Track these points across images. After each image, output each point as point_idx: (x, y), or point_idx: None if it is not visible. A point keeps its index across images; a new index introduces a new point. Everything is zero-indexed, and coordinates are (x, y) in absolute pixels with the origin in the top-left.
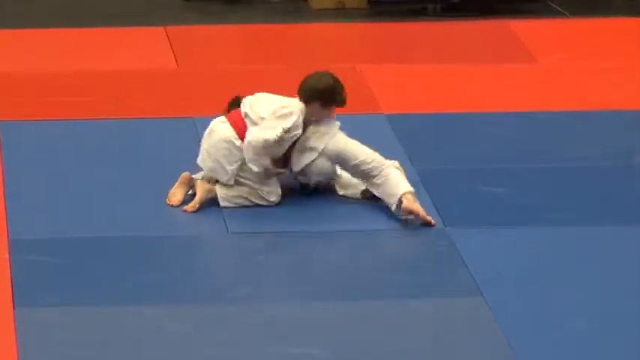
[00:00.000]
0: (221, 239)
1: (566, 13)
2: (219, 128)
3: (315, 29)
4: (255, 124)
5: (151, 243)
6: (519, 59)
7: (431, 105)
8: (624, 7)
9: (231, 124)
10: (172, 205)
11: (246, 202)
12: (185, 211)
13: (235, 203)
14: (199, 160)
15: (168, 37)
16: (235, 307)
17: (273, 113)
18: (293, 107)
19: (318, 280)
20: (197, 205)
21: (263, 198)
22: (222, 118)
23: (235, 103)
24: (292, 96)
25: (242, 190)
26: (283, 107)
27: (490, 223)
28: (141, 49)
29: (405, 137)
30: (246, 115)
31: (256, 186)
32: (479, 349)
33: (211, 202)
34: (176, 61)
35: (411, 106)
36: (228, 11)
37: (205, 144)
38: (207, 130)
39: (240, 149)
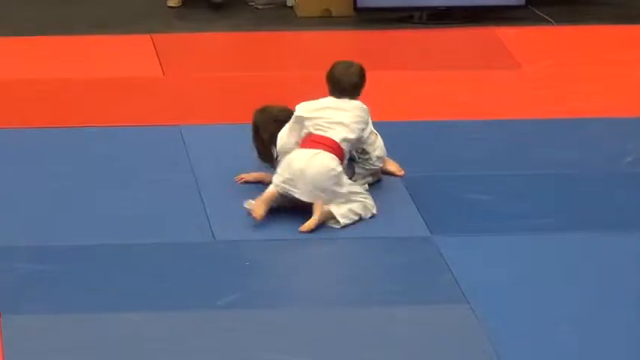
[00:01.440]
0: (207, 246)
1: (552, 21)
2: (318, 162)
3: (302, 37)
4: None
5: (137, 250)
6: (505, 66)
7: (416, 112)
8: (609, 15)
9: (330, 151)
10: (256, 219)
11: (357, 217)
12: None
13: (351, 219)
14: (307, 198)
15: (154, 45)
16: (222, 314)
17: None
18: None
19: (304, 287)
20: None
21: (369, 210)
22: (309, 151)
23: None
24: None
25: (354, 206)
26: (359, 117)
27: (476, 230)
28: (127, 56)
29: (390, 144)
30: (346, 139)
31: (363, 198)
32: (464, 357)
33: (195, 209)
34: (162, 69)
35: (396, 113)
36: (215, 19)
37: (304, 182)
38: (299, 168)
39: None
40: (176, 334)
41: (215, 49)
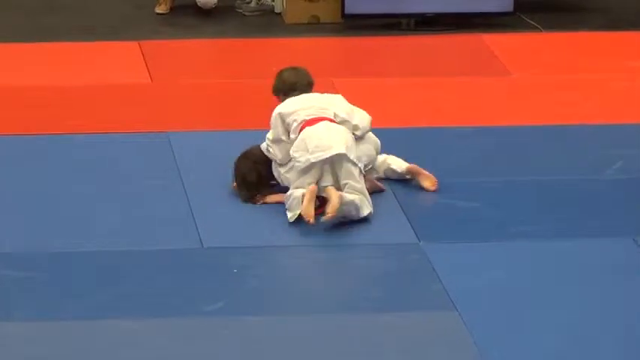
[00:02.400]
0: (195, 253)
1: (540, 28)
2: (334, 127)
3: (290, 43)
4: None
5: (125, 257)
6: (493, 73)
7: (404, 119)
8: (597, 22)
9: None
10: (309, 222)
11: (354, 212)
12: (327, 220)
13: (355, 208)
14: (342, 149)
15: (142, 52)
16: (210, 321)
17: (351, 111)
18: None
19: (292, 294)
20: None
21: (369, 207)
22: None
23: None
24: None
25: (358, 198)
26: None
27: (464, 237)
28: (115, 63)
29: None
30: (345, 120)
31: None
32: None
33: (182, 216)
34: (150, 76)
35: (384, 120)
36: (203, 26)
37: (332, 141)
38: (319, 136)
39: None
40: (163, 341)
41: (203, 56)
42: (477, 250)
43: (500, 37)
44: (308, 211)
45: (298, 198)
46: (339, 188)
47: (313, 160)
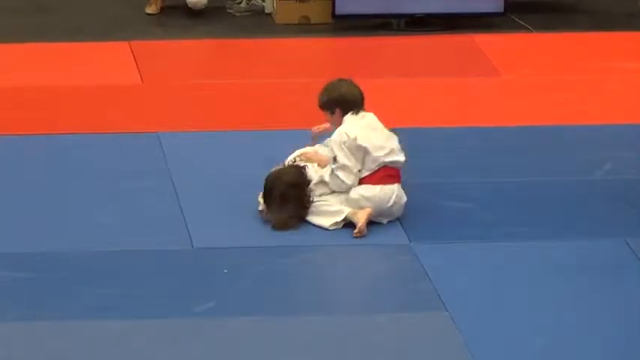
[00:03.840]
0: (186, 254)
1: (530, 28)
2: (400, 199)
3: (280, 44)
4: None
5: (115, 258)
6: (483, 73)
7: (394, 119)
8: (587, 23)
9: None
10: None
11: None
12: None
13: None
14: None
15: (133, 52)
16: (200, 322)
17: None
18: None
19: (282, 295)
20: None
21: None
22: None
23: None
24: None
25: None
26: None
27: (454, 237)
28: (105, 64)
29: None
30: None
31: None
32: None
33: (173, 216)
34: (140, 76)
35: None
36: (193, 26)
37: (389, 214)
38: (388, 207)
39: None
40: (153, 342)
41: (194, 57)
42: (467, 251)
43: (490, 37)
44: (364, 230)
45: (344, 213)
46: None
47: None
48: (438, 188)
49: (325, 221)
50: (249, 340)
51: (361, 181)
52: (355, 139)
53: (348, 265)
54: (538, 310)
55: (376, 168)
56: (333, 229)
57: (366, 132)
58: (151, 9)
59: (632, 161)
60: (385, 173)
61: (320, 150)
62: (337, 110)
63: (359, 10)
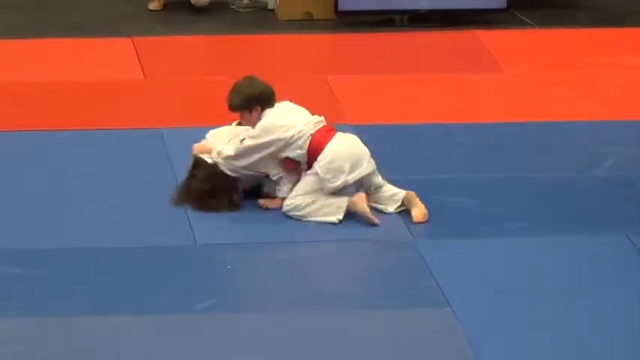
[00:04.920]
0: (189, 250)
1: (533, 24)
2: (356, 140)
3: (283, 40)
4: None
5: (118, 254)
6: (486, 69)
7: (398, 115)
8: (589, 18)
9: None
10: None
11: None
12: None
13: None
14: (371, 169)
15: (135, 48)
16: (202, 318)
17: None
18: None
19: (285, 291)
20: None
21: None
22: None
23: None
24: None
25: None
26: None
27: (457, 233)
28: (108, 60)
29: (371, 148)
30: None
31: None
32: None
33: (176, 212)
34: (143, 72)
35: (377, 117)
36: (196, 22)
37: (361, 160)
38: (348, 154)
39: None
40: (155, 338)
41: (196, 52)
42: (470, 247)
43: (493, 33)
44: (370, 215)
45: (342, 207)
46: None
47: (351, 182)
48: (440, 184)
49: (328, 219)
50: (252, 337)
51: (315, 152)
52: (285, 127)
53: (351, 261)
54: (541, 306)
55: (313, 132)
56: (337, 223)
57: (281, 114)
58: (153, 5)
59: (634, 157)
60: (324, 131)
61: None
62: (257, 108)
63: (362, 6)
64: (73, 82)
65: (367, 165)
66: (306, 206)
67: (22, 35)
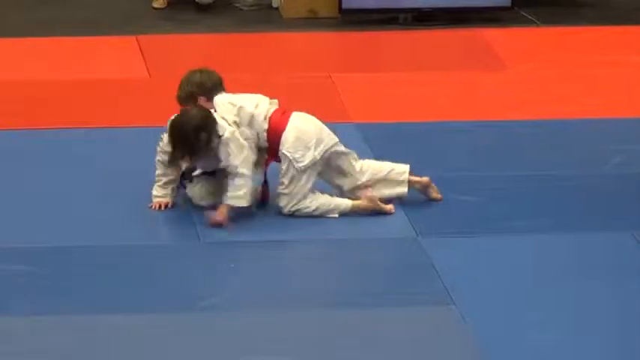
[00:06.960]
0: (193, 248)
1: (537, 22)
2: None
3: (287, 38)
4: None
5: (122, 252)
6: (490, 67)
7: (402, 114)
8: (593, 16)
9: None
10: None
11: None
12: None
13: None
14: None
15: (140, 46)
16: (207, 316)
17: None
18: None
19: (289, 289)
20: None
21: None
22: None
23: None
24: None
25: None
26: None
27: (461, 231)
28: (113, 58)
29: (375, 146)
30: None
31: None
32: (450, 358)
33: (180, 210)
34: (148, 70)
35: (381, 115)
36: (200, 20)
37: (323, 133)
38: (313, 131)
39: None
40: (159, 336)
41: (201, 51)
42: (475, 245)
43: (497, 31)
44: (382, 206)
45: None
46: (338, 185)
47: (318, 157)
48: (445, 182)
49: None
50: (256, 335)
51: (276, 135)
52: (241, 106)
53: (355, 259)
54: (546, 304)
55: (270, 115)
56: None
57: (230, 97)
58: (158, 3)
59: None
60: (280, 112)
61: None
62: (201, 99)
63: (366, 4)
64: (77, 80)
65: (329, 138)
66: (306, 208)
67: (25, 33)
